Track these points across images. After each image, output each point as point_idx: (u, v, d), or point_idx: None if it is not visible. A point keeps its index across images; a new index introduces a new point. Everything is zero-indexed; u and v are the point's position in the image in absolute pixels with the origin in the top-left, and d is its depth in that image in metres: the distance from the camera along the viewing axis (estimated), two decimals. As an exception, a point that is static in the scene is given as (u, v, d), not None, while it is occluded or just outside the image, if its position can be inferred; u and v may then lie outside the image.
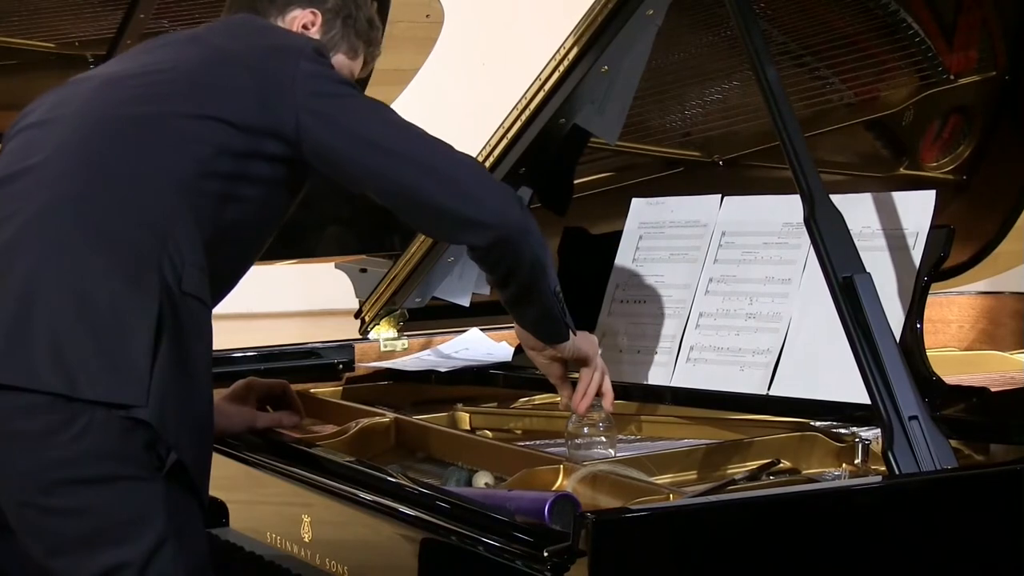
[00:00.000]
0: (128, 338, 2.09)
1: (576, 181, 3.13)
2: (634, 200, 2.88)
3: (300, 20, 2.47)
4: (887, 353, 2.08)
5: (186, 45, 2.36)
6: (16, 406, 2.07)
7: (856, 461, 2.34)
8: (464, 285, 3.22)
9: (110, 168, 2.19)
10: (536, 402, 2.92)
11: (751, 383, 2.50)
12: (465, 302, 3.24)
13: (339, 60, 2.48)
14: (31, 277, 2.11)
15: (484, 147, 2.94)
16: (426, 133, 2.29)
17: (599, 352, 2.50)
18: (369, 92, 3.79)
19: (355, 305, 3.37)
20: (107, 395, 2.06)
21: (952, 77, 3.07)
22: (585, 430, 2.47)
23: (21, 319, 2.09)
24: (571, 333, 2.44)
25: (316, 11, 2.48)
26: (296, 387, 2.79)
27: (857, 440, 2.35)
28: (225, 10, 2.52)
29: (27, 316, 2.09)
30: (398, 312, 3.28)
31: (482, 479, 2.36)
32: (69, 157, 2.20)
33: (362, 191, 2.30)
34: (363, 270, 3.56)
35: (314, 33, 2.47)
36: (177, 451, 2.10)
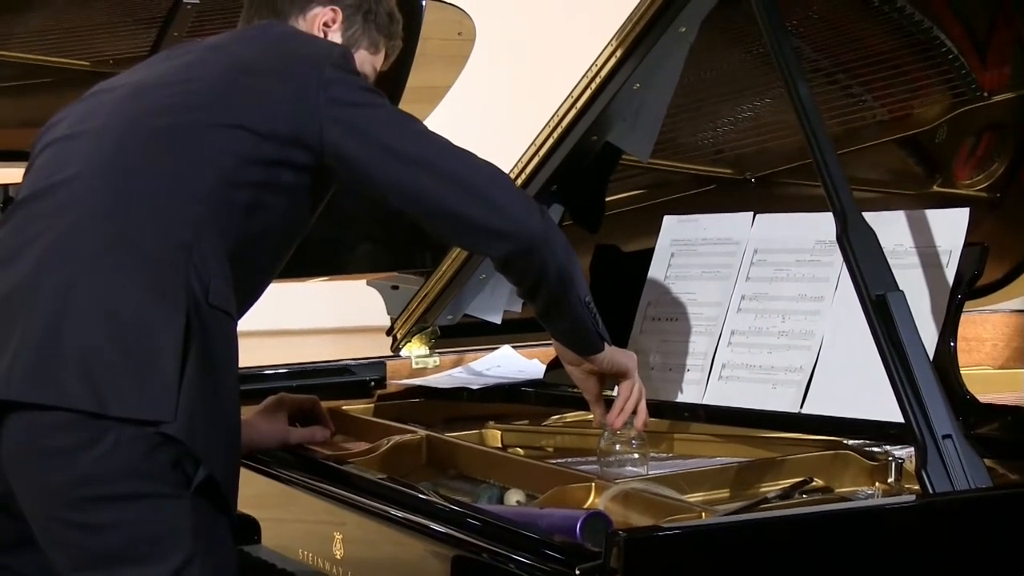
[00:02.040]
0: (156, 353, 2.09)
1: (608, 198, 3.13)
2: (666, 217, 2.88)
3: (321, 18, 2.47)
4: (920, 371, 2.07)
5: (210, 53, 2.36)
6: (45, 423, 2.08)
7: (889, 480, 2.33)
8: (496, 302, 3.22)
9: (137, 182, 2.19)
10: (568, 420, 2.91)
11: (783, 401, 2.49)
12: (497, 319, 3.24)
13: (361, 56, 2.48)
14: (60, 295, 2.11)
15: (516, 164, 2.94)
16: (449, 142, 2.29)
17: (637, 368, 2.49)
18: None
19: (387, 322, 3.38)
20: (136, 412, 2.07)
21: (986, 94, 3.06)
22: (617, 447, 2.46)
23: (50, 337, 2.09)
24: (605, 344, 2.43)
25: (336, 8, 2.47)
26: (328, 404, 2.80)
27: (890, 459, 2.34)
28: (245, 10, 2.51)
29: (56, 334, 2.09)
30: (430, 329, 3.29)
31: (514, 496, 2.36)
32: (96, 173, 2.21)
33: (385, 199, 2.30)
34: (395, 287, 3.56)
35: (335, 30, 2.47)
36: (207, 464, 2.10)
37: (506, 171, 2.88)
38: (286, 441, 2.60)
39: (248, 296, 2.31)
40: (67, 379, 2.07)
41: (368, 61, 2.51)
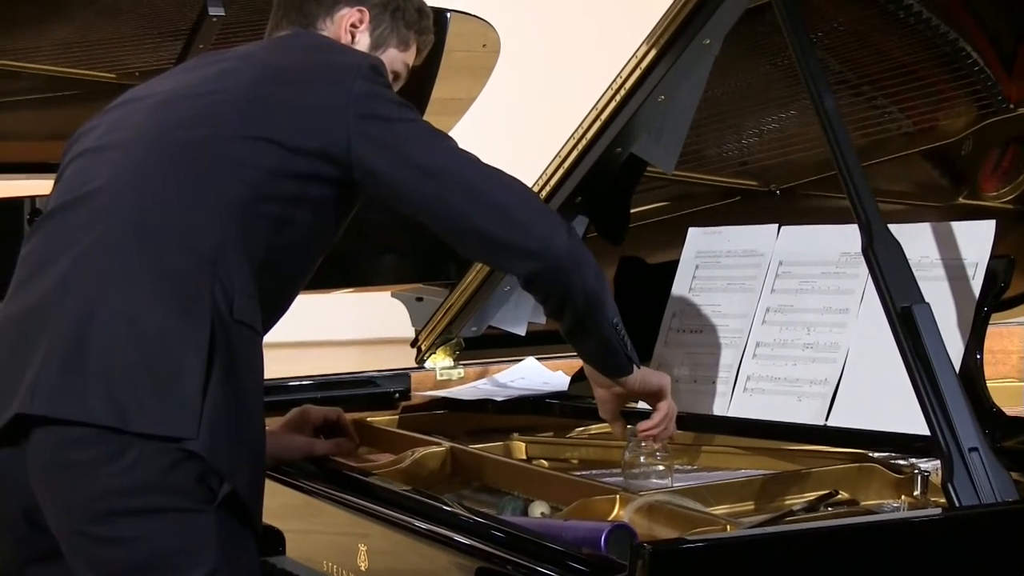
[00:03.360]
0: (179, 369, 2.09)
1: (632, 210, 3.12)
2: (691, 229, 2.88)
3: (348, 19, 2.45)
4: (946, 384, 2.06)
5: (240, 63, 2.35)
6: (69, 437, 2.09)
7: (915, 493, 2.32)
8: (520, 314, 3.22)
9: (163, 195, 2.19)
10: (592, 432, 2.91)
11: (809, 413, 2.49)
12: (521, 331, 3.24)
13: (390, 55, 2.47)
14: (85, 310, 2.12)
15: (541, 176, 2.94)
16: (478, 159, 2.28)
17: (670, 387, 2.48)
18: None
19: (411, 334, 3.38)
20: (158, 428, 2.07)
21: (1012, 106, 3.05)
22: (642, 459, 2.46)
23: (74, 352, 2.10)
24: (635, 367, 2.42)
25: (363, 8, 2.46)
26: (352, 416, 2.80)
27: (916, 472, 2.33)
28: (272, 14, 2.50)
29: (80, 349, 2.10)
30: (454, 341, 3.29)
31: (538, 509, 2.36)
32: (123, 186, 2.21)
33: (412, 215, 2.30)
34: (419, 299, 3.57)
35: (363, 30, 2.45)
36: (231, 480, 2.10)
37: (530, 182, 2.89)
38: (311, 453, 2.60)
39: (274, 310, 2.31)
40: (90, 394, 2.08)
41: (399, 59, 2.50)
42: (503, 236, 2.25)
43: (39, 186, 4.04)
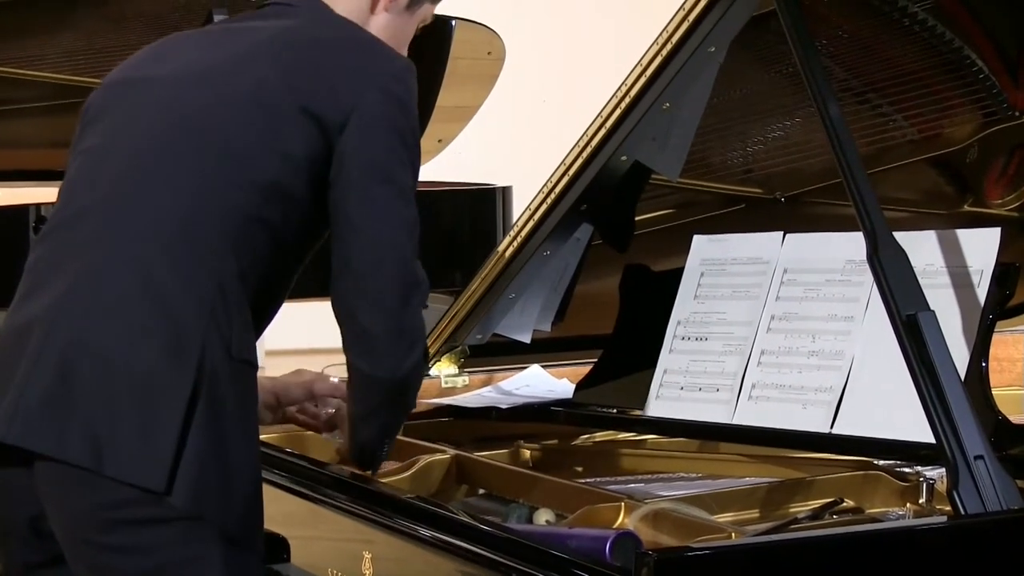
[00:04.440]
0: (158, 416, 2.07)
1: (637, 218, 3.12)
2: (695, 237, 2.88)
3: None
4: (952, 392, 2.06)
5: (257, 49, 2.26)
6: None
7: (920, 500, 2.32)
8: (525, 322, 3.22)
9: (162, 212, 2.16)
10: (597, 439, 2.91)
11: (813, 421, 2.48)
12: (526, 339, 3.24)
13: (425, 9, 2.42)
14: (75, 339, 2.10)
15: (546, 183, 2.94)
16: (406, 246, 2.23)
17: None
18: (431, 129, 3.83)
19: (416, 341, 3.37)
20: (129, 476, 2.05)
21: (1017, 114, 3.05)
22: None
23: (58, 384, 2.08)
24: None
25: None
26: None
27: (921, 479, 2.33)
28: None
29: (65, 381, 2.08)
30: (459, 348, 3.28)
31: (543, 516, 2.36)
32: (125, 206, 2.18)
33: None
34: (424, 306, 3.56)
35: (402, 1, 2.38)
36: (222, 524, 2.10)
37: (535, 190, 2.91)
38: (311, 391, 2.57)
39: (263, 324, 2.29)
40: (68, 430, 2.06)
41: (429, 11, 2.44)
42: (370, 330, 2.23)
43: (45, 193, 4.05)
